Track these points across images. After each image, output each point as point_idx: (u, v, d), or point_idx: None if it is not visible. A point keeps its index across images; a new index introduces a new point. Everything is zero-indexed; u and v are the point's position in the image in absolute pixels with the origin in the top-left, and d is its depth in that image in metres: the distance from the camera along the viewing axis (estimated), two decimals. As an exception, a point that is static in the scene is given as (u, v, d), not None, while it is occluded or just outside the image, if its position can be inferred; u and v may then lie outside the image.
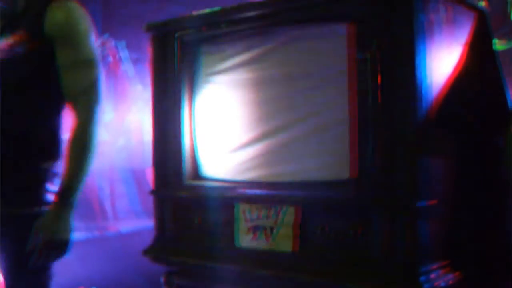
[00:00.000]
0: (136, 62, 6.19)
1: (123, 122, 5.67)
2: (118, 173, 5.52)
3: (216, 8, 3.11)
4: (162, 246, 3.31)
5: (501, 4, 5.10)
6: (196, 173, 3.19)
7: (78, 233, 5.10)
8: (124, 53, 5.22)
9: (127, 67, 5.79)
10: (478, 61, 2.90)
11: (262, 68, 2.98)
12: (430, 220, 2.58)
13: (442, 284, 2.58)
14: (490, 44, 2.98)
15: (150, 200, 3.42)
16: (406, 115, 2.53)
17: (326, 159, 2.76)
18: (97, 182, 5.74)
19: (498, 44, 5.42)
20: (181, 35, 3.20)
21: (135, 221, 6.00)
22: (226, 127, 3.13)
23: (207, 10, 3.15)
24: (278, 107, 2.92)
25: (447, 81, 2.73)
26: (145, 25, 3.34)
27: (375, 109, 2.57)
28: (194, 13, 3.22)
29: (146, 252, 3.40)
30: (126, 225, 6.10)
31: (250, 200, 2.94)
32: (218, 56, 3.14)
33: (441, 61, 2.69)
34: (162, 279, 3.30)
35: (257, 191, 2.95)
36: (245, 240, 2.95)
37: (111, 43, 5.01)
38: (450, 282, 2.63)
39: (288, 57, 2.89)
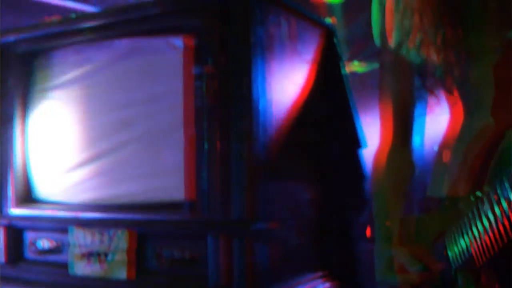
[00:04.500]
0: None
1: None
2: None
3: (52, 19, 2.91)
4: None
5: (363, 27, 5.08)
6: (28, 195, 2.96)
7: None
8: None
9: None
10: (326, 80, 2.83)
11: (97, 83, 2.79)
12: (271, 243, 2.47)
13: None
14: (338, 63, 2.90)
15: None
16: (243, 134, 2.39)
17: (162, 181, 2.59)
18: None
19: (359, 66, 5.50)
20: (12, 47, 2.96)
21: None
22: (61, 146, 2.91)
23: (44, 21, 2.94)
24: (113, 125, 2.73)
25: (292, 100, 2.63)
26: None
27: (211, 128, 2.43)
28: (28, 24, 3.00)
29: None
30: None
31: (84, 224, 2.73)
32: (52, 69, 2.93)
33: (284, 78, 2.59)
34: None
35: (91, 215, 2.74)
36: (80, 267, 2.73)
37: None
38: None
39: (124, 71, 2.72)
